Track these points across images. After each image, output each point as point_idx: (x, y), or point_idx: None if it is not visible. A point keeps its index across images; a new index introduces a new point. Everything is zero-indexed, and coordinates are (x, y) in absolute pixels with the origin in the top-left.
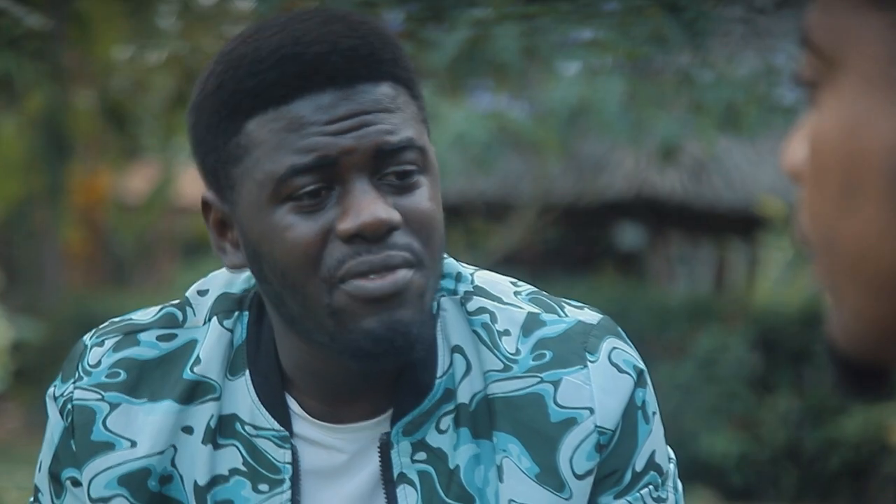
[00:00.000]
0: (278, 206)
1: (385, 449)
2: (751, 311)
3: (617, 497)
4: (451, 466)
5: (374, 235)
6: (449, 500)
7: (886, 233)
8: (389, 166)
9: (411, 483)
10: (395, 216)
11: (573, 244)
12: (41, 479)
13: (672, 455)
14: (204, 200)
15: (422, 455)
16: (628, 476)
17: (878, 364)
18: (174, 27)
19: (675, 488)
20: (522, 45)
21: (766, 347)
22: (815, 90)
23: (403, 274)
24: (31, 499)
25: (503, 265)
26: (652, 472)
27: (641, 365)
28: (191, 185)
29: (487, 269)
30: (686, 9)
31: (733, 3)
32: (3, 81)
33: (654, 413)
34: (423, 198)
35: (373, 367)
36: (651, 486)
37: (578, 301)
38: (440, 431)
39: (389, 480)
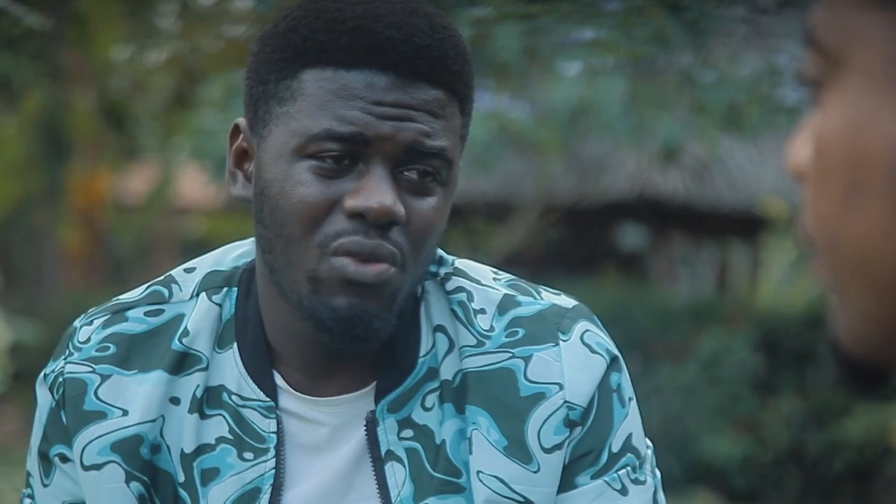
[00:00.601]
0: (301, 160)
1: (371, 426)
2: (753, 312)
3: (594, 477)
4: (438, 442)
5: (376, 221)
6: (436, 475)
7: (891, 233)
8: (414, 164)
9: (399, 460)
10: (401, 211)
11: (575, 245)
12: (31, 463)
13: (650, 444)
14: (236, 125)
15: (408, 432)
16: (605, 456)
17: (881, 364)
18: (174, 27)
19: (654, 473)
20: (523, 45)
21: (768, 349)
22: (819, 89)
23: (386, 268)
24: (24, 487)
25: (504, 266)
26: (629, 455)
27: (615, 351)
28: (190, 185)
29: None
30: (688, 9)
31: (735, 3)
32: (2, 82)
33: (630, 398)
34: (432, 206)
35: (330, 341)
36: (629, 468)
37: (580, 301)
38: (426, 409)
39: (377, 458)
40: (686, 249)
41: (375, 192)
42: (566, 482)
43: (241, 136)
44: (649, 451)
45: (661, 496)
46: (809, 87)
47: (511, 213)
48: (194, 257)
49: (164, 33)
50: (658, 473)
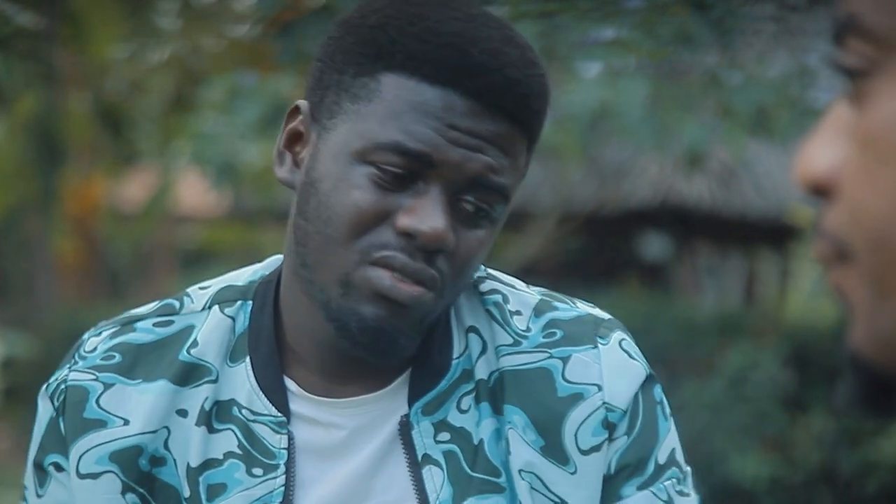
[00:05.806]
0: (361, 164)
1: (405, 430)
2: (783, 325)
3: (640, 488)
4: (475, 442)
5: (426, 246)
6: (475, 475)
7: None
8: (474, 195)
9: (437, 463)
10: (452, 240)
11: (595, 255)
12: (27, 476)
13: (688, 466)
14: (297, 106)
15: (445, 435)
16: (651, 467)
17: None
18: (174, 26)
19: (694, 490)
20: (541, 45)
21: (799, 364)
22: (863, 79)
23: (422, 293)
24: (20, 501)
25: (522, 276)
26: (674, 468)
27: (650, 368)
28: (190, 192)
29: None
30: (713, 6)
31: (764, 1)
32: None
33: (670, 414)
34: (479, 238)
35: (351, 348)
36: (674, 480)
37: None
38: (461, 411)
39: (414, 462)
40: (712, 259)
41: (431, 215)
42: (612, 493)
43: (300, 118)
44: (689, 471)
45: None
46: (849, 78)
47: (528, 221)
48: (194, 267)
49: (164, 32)
50: (697, 495)
